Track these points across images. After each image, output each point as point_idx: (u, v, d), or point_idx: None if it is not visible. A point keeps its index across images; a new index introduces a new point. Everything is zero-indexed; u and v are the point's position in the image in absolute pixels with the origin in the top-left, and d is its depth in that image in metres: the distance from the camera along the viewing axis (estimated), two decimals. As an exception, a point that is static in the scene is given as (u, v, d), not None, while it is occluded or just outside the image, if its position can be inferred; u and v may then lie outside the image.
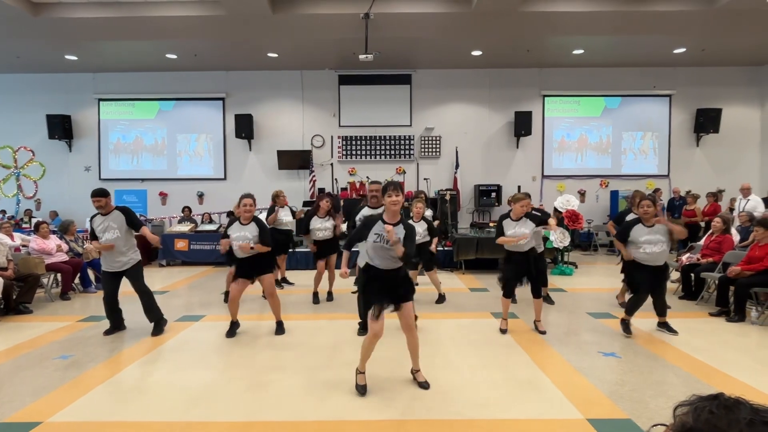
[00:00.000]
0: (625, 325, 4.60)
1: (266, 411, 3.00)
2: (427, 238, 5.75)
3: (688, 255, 6.46)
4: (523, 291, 5.93)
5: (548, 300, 5.93)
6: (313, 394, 3.24)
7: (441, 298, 5.97)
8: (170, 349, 4.26)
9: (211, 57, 10.52)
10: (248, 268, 4.56)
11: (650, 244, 4.36)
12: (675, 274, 6.75)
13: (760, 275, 5.01)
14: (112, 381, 3.49)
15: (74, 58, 10.38)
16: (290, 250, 7.20)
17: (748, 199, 8.54)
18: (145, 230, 4.83)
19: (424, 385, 3.33)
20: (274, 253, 4.91)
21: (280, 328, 4.72)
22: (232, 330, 4.65)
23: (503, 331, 4.66)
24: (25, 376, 3.62)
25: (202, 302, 6.17)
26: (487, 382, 3.44)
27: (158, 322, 4.76)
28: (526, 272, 4.65)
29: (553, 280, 7.45)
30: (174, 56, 10.37)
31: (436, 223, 6.71)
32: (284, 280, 7.11)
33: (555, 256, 8.22)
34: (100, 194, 4.60)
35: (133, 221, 4.72)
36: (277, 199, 6.78)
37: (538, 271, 5.77)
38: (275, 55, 10.40)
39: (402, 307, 3.27)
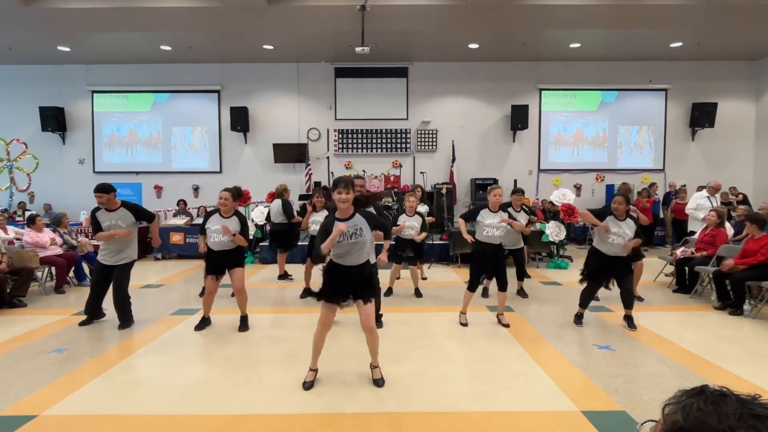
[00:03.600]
0: (578, 318, 4.72)
1: (261, 404, 3.00)
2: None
3: (682, 249, 6.49)
4: (519, 286, 6.00)
5: (522, 293, 5.94)
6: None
7: (417, 293, 5.98)
8: (165, 342, 4.25)
9: (206, 49, 10.43)
10: (219, 264, 4.53)
11: (618, 236, 4.41)
12: (669, 268, 6.80)
13: (753, 269, 5.05)
14: (107, 374, 3.49)
15: (67, 49, 10.26)
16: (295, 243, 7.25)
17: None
18: (156, 226, 4.82)
19: (379, 383, 3.24)
20: (243, 249, 4.76)
21: (243, 324, 4.62)
22: (202, 325, 4.62)
23: (463, 325, 4.66)
24: (20, 369, 3.60)
25: (197, 296, 6.14)
26: (482, 375, 3.45)
27: (125, 323, 4.68)
28: (493, 265, 4.60)
29: (549, 274, 7.49)
30: (168, 48, 10.27)
31: (430, 219, 6.64)
32: (285, 274, 7.12)
33: (551, 249, 8.25)
34: (102, 190, 4.45)
35: (146, 214, 4.73)
36: (285, 193, 6.87)
37: (518, 264, 5.83)
38: (271, 48, 10.32)
39: (361, 306, 3.16)
